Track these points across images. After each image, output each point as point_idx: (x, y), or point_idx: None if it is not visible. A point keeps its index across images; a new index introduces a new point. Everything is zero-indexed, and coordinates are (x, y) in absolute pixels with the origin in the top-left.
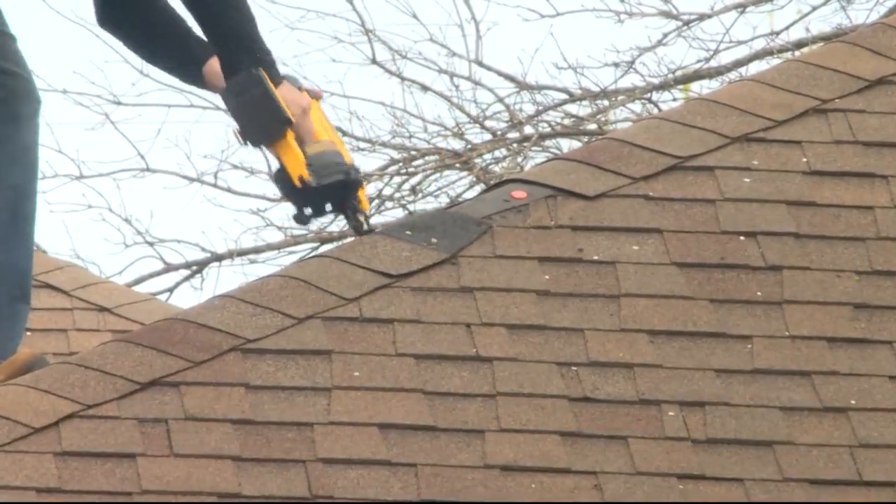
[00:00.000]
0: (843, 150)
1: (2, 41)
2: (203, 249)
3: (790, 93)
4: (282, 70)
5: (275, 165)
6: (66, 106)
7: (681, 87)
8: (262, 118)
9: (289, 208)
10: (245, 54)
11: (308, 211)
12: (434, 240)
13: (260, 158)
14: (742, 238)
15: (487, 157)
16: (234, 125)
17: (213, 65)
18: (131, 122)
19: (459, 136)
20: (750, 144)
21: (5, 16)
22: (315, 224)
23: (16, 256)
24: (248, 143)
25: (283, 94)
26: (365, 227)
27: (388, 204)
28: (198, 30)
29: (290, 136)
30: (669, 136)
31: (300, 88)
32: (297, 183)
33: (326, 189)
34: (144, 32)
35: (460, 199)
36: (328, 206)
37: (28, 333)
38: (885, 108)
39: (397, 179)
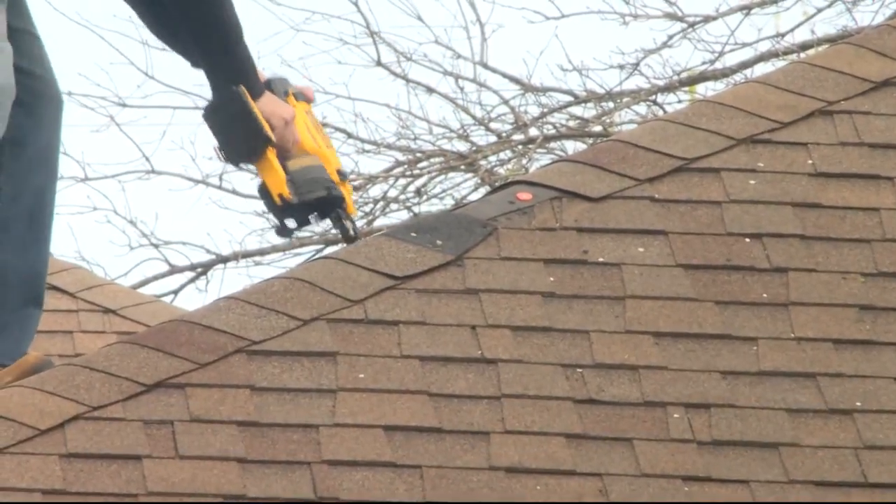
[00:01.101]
0: (848, 151)
1: (26, 41)
2: (208, 251)
3: (795, 94)
4: (271, 74)
5: (258, 179)
6: (71, 108)
7: (686, 88)
8: (240, 136)
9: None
10: (224, 67)
11: (292, 224)
12: (439, 241)
13: None
14: (747, 240)
15: (492, 158)
16: (214, 142)
17: None
18: (136, 124)
19: (464, 137)
20: (755, 146)
21: (32, 15)
22: (297, 234)
23: (32, 260)
24: (228, 161)
25: (263, 107)
26: (351, 232)
27: (394, 206)
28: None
29: (271, 152)
30: (675, 138)
31: (287, 92)
32: (278, 200)
33: (307, 205)
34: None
35: (465, 201)
36: (311, 218)
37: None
38: (891, 110)
39: (402, 181)
